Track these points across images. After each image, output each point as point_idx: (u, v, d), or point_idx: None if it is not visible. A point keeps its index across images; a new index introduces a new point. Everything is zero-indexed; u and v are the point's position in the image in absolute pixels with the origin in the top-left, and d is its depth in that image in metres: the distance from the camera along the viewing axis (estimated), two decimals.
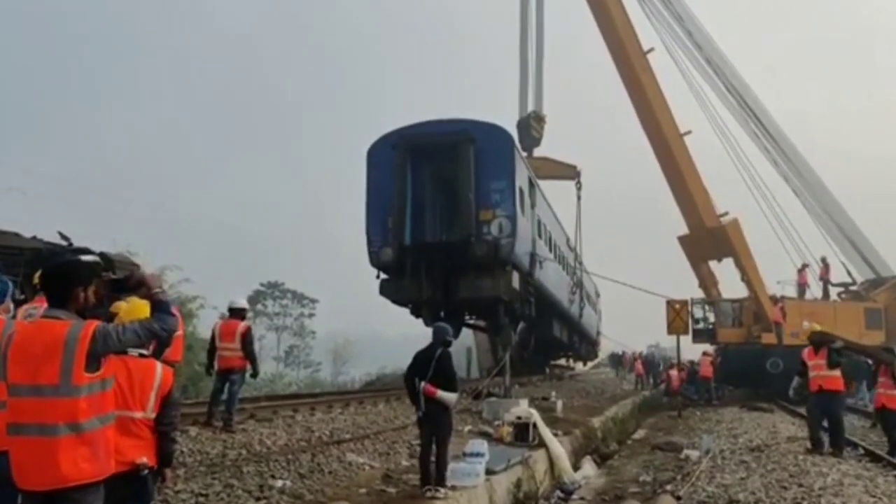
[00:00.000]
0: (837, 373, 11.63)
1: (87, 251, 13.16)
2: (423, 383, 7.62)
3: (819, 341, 12.05)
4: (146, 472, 4.17)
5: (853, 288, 32.25)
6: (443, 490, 7.60)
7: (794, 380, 12.99)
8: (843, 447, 11.77)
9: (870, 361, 21.72)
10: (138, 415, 4.20)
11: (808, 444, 12.11)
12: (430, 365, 7.70)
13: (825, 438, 11.96)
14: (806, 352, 12.27)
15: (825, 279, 31.09)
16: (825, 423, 12.07)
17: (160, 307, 3.93)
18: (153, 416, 4.26)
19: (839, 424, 11.92)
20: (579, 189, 28.02)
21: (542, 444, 11.79)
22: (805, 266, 30.07)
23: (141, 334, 3.78)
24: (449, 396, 7.76)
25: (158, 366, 4.41)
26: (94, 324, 3.62)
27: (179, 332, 9.71)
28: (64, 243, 12.14)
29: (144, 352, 4.39)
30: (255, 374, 11.49)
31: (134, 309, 4.50)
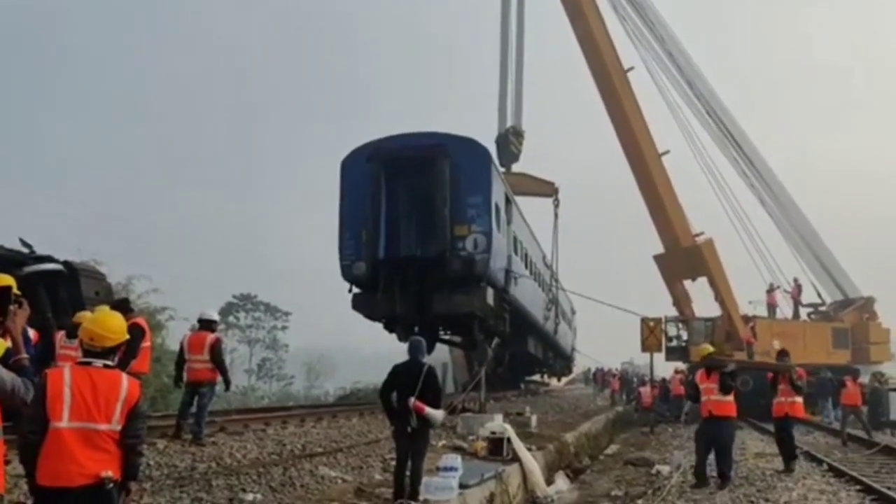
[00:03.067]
0: (730, 398, 10.80)
1: (49, 259, 12.94)
2: (412, 399, 7.57)
3: (712, 365, 11.21)
4: (111, 485, 4.08)
5: (822, 308, 32.83)
6: None
7: (685, 404, 12.53)
8: (729, 476, 10.87)
9: (834, 381, 22.08)
10: (103, 427, 4.11)
11: (693, 479, 11.08)
12: (418, 381, 7.65)
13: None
14: (699, 375, 11.50)
15: (796, 299, 31.61)
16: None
17: (24, 372, 3.78)
18: (119, 428, 4.16)
19: (727, 453, 11.02)
20: (557, 206, 28.18)
21: (515, 458, 11.78)
22: (775, 287, 30.52)
23: (9, 386, 3.60)
24: (437, 414, 7.80)
25: (124, 377, 4.31)
26: None
27: (147, 344, 9.63)
28: (25, 250, 11.92)
29: (110, 363, 4.32)
30: (227, 387, 11.36)
31: (98, 320, 4.42)
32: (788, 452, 11.95)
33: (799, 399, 11.95)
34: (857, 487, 10.60)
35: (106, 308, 5.60)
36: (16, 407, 3.78)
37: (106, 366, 4.27)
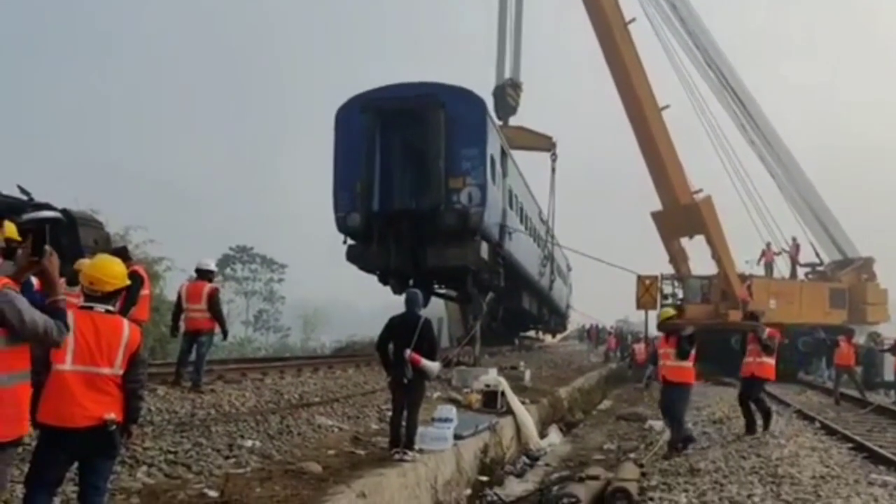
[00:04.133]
0: (687, 363, 10.36)
1: (48, 206, 12.84)
2: (408, 351, 7.66)
3: (670, 329, 10.74)
4: (114, 427, 4.16)
5: (820, 268, 32.77)
6: (411, 453, 7.69)
7: (649, 368, 12.10)
8: (676, 445, 10.42)
9: (827, 341, 22.19)
10: (105, 371, 4.16)
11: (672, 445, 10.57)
12: (414, 333, 7.73)
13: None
14: (661, 339, 11.21)
15: (794, 259, 31.56)
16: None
17: (58, 315, 3.76)
18: (121, 372, 4.22)
19: (678, 419, 10.66)
20: (554, 161, 27.76)
21: (509, 411, 11.95)
22: (773, 249, 30.44)
23: (41, 328, 3.60)
24: (433, 366, 7.90)
25: (126, 323, 4.36)
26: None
27: (146, 292, 9.65)
28: (24, 198, 11.85)
29: (111, 308, 4.34)
30: (224, 337, 11.44)
31: (98, 265, 4.41)
32: (764, 412, 11.60)
33: (768, 360, 11.45)
34: (849, 445, 10.75)
35: (105, 255, 5.59)
36: (48, 348, 3.79)
37: (108, 311, 4.30)
